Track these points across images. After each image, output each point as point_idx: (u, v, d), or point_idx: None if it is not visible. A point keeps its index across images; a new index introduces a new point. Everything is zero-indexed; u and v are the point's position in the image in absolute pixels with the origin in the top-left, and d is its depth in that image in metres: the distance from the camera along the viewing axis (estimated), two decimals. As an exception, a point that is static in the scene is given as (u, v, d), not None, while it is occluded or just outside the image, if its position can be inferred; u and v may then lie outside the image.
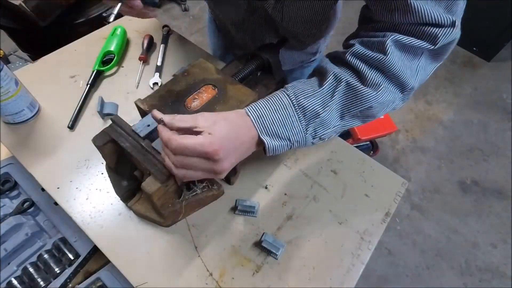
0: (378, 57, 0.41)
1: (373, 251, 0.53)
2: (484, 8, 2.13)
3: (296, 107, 0.42)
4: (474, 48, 2.36)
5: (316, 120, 0.42)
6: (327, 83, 0.43)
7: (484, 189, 1.72)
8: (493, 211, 1.64)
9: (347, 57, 0.44)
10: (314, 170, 0.61)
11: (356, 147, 0.77)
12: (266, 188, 0.58)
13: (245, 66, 0.60)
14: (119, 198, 0.53)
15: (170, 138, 0.38)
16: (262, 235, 0.51)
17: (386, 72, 0.42)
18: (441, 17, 0.39)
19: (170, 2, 2.56)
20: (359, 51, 0.43)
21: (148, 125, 0.47)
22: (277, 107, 0.42)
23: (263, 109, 0.42)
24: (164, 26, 0.83)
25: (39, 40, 1.20)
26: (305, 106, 0.42)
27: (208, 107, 0.51)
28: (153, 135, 0.48)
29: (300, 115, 0.42)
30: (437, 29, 0.40)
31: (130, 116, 0.56)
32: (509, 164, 1.81)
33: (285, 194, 0.57)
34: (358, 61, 0.43)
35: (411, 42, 0.41)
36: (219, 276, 0.49)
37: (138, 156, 0.45)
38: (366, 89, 0.42)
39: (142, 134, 0.47)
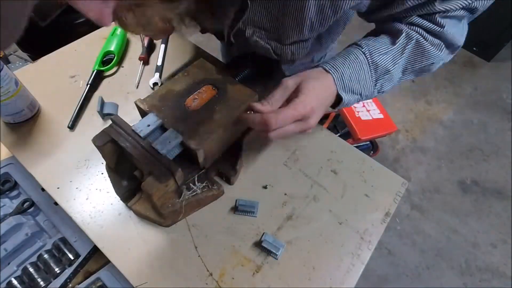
0: (436, 29, 0.46)
1: (373, 251, 0.53)
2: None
3: (371, 64, 0.46)
4: (474, 48, 2.36)
5: (386, 76, 0.47)
6: (400, 41, 0.47)
7: (484, 189, 1.72)
8: (493, 211, 1.65)
9: (410, 23, 0.48)
10: (314, 170, 0.61)
11: (356, 147, 0.77)
12: (266, 188, 0.58)
13: (245, 66, 0.60)
14: (119, 198, 0.53)
15: (264, 117, 0.42)
16: (262, 235, 0.51)
17: (444, 40, 0.48)
18: None
19: (170, 2, 2.55)
20: (419, 22, 0.47)
21: (148, 125, 0.47)
22: (356, 65, 0.46)
23: (343, 67, 0.45)
24: (164, 26, 0.83)
25: (39, 40, 1.20)
26: (377, 63, 0.46)
27: (208, 107, 0.51)
28: (153, 135, 0.48)
29: (372, 72, 0.46)
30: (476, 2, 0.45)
31: (130, 116, 0.56)
32: (509, 164, 1.81)
33: (285, 194, 0.57)
34: (419, 28, 0.47)
35: (456, 13, 0.46)
36: (219, 276, 0.49)
37: (138, 156, 0.45)
38: (432, 47, 0.47)
39: (142, 134, 0.47)
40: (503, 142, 1.91)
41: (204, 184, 0.53)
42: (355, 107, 1.47)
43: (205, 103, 0.52)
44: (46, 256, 0.57)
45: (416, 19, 0.47)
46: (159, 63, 0.75)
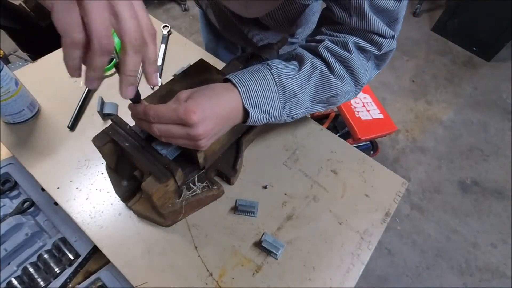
0: (345, 54, 0.49)
1: (373, 251, 0.53)
2: (484, 8, 2.13)
3: (278, 86, 0.46)
4: (474, 48, 2.36)
5: (293, 99, 0.47)
6: (305, 68, 0.48)
7: (484, 189, 1.72)
8: (493, 211, 1.65)
9: (320, 49, 0.49)
10: (314, 170, 0.61)
11: (356, 147, 0.77)
12: (266, 188, 0.58)
13: (245, 66, 0.60)
14: (119, 198, 0.53)
15: (147, 107, 0.40)
16: (262, 235, 0.51)
17: (348, 68, 0.50)
18: (385, 30, 0.48)
19: (170, 2, 2.56)
20: (330, 46, 0.49)
21: (148, 125, 0.47)
22: (263, 83, 0.45)
23: (250, 82, 0.45)
24: (164, 26, 0.83)
25: (39, 40, 1.20)
26: (285, 86, 0.46)
27: (208, 107, 0.51)
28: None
29: (280, 93, 0.46)
30: (382, 39, 0.49)
31: (130, 116, 0.56)
32: (509, 164, 1.81)
33: (285, 194, 0.57)
34: (328, 54, 0.49)
35: (366, 46, 0.49)
36: (219, 276, 0.49)
37: (138, 156, 0.45)
38: (335, 79, 0.49)
39: (142, 134, 0.47)
40: (503, 142, 1.91)
41: (204, 184, 0.53)
42: (355, 107, 1.47)
43: (205, 103, 0.51)
44: (46, 256, 0.57)
45: (328, 44, 0.49)
46: (159, 63, 0.75)
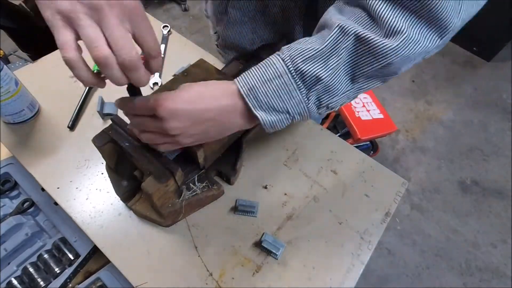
0: None
1: (373, 251, 0.53)
2: (484, 8, 2.13)
3: (294, 73, 0.35)
4: (474, 48, 2.36)
5: (318, 86, 0.35)
6: (330, 39, 0.34)
7: (484, 189, 1.72)
8: (493, 211, 1.64)
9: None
10: (314, 170, 0.61)
11: (356, 147, 0.77)
12: (266, 188, 0.58)
13: (245, 66, 0.60)
14: (119, 198, 0.53)
15: (127, 98, 0.38)
16: (262, 235, 0.51)
17: (419, 10, 0.31)
18: None
19: (170, 2, 2.56)
20: None
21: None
22: (270, 75, 0.35)
23: (254, 79, 0.36)
24: (164, 26, 0.83)
25: (39, 40, 1.20)
26: (303, 71, 0.35)
27: (208, 107, 0.51)
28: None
29: (299, 82, 0.35)
30: None
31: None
32: (509, 164, 1.81)
33: (285, 194, 0.57)
34: (378, 0, 0.32)
35: None
36: (219, 276, 0.49)
37: (138, 156, 0.45)
38: (382, 41, 0.32)
39: (142, 134, 0.47)
40: (503, 142, 1.91)
41: (204, 184, 0.53)
42: (355, 107, 1.47)
43: (205, 103, 0.51)
44: (46, 256, 0.57)
45: None
46: (159, 63, 0.75)
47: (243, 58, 0.64)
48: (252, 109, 0.36)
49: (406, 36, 0.32)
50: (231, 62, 0.64)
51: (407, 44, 0.32)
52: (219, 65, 0.72)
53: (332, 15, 0.36)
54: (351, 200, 0.58)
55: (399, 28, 0.31)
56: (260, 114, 0.36)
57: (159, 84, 0.71)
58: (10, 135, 0.61)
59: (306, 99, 0.36)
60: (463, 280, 1.44)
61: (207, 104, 0.37)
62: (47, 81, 0.70)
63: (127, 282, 0.48)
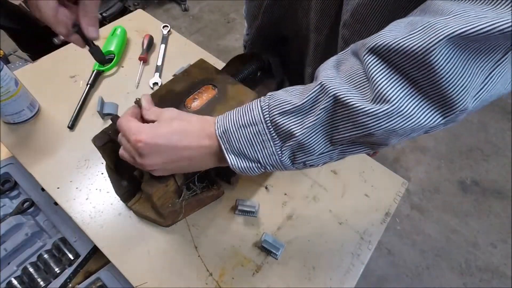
0: (420, 50, 0.25)
1: (373, 251, 0.53)
2: (484, 8, 2.13)
3: (269, 124, 0.33)
4: (474, 48, 2.36)
5: (291, 142, 0.32)
6: (310, 96, 0.31)
7: (484, 189, 1.72)
8: (493, 211, 1.64)
9: (363, 52, 0.30)
10: (314, 170, 0.61)
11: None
12: (266, 188, 0.58)
13: (245, 66, 0.60)
14: (119, 198, 0.53)
15: (120, 118, 0.40)
16: (262, 235, 0.51)
17: (421, 80, 0.26)
18: None
19: (170, 2, 2.56)
20: (387, 43, 0.27)
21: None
22: (246, 121, 0.34)
23: (231, 122, 0.35)
24: (164, 26, 0.83)
25: (39, 40, 1.20)
26: (278, 124, 0.32)
27: (208, 107, 0.51)
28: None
29: (273, 134, 0.33)
30: None
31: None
32: (509, 164, 1.81)
33: (285, 194, 0.57)
34: (375, 58, 0.28)
35: (483, 27, 0.23)
36: (219, 276, 0.49)
37: (138, 156, 0.45)
38: (363, 108, 0.28)
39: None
40: (503, 142, 1.91)
41: (204, 184, 0.53)
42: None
43: (205, 103, 0.51)
44: (46, 256, 0.57)
45: (392, 38, 0.27)
46: (159, 63, 0.75)
47: (243, 58, 0.64)
48: (224, 151, 0.35)
49: (393, 108, 0.27)
50: (231, 62, 0.64)
51: (392, 117, 0.27)
52: (219, 65, 0.72)
53: (324, 68, 0.33)
54: (351, 200, 0.58)
55: (387, 97, 0.27)
56: (231, 158, 0.35)
57: (159, 84, 0.71)
58: (10, 135, 0.61)
59: (279, 152, 0.33)
60: (463, 280, 1.44)
61: (189, 142, 0.36)
62: (47, 81, 0.70)
63: (127, 282, 0.48)
